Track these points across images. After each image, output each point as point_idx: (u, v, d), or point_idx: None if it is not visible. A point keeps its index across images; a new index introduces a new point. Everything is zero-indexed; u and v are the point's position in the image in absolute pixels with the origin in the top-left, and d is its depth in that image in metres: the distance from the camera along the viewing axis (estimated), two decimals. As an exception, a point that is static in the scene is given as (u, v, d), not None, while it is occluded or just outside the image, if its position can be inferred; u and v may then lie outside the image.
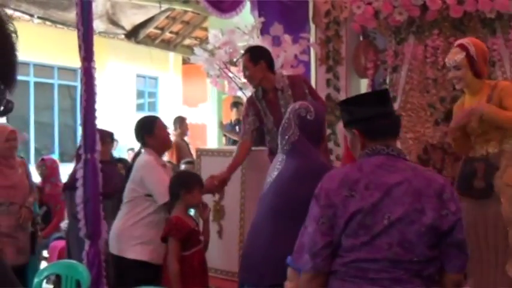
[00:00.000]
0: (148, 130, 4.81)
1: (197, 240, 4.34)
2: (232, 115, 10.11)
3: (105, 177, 4.76)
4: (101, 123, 4.72)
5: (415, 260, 2.49)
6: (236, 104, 9.97)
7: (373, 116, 2.70)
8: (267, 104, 5.11)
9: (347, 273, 2.53)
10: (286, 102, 4.92)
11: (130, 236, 4.60)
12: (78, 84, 15.31)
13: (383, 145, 2.67)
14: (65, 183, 5.33)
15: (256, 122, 5.14)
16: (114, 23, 14.50)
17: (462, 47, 4.54)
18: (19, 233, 5.27)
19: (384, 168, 2.61)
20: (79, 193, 4.44)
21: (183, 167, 8.36)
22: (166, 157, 11.04)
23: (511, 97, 4.43)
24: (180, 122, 10.67)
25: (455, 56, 4.53)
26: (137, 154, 5.00)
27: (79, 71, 4.65)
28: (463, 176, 4.59)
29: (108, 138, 5.33)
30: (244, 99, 6.48)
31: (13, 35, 1.37)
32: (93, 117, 4.46)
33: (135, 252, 4.57)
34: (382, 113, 2.71)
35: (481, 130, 4.44)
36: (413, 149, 6.12)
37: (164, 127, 4.96)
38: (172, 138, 11.35)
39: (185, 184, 4.39)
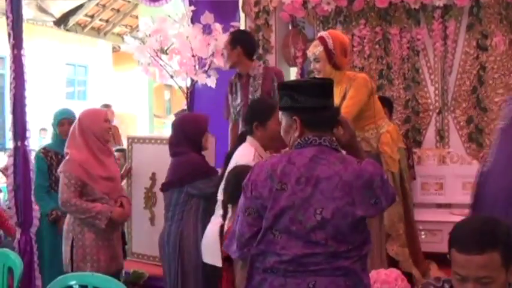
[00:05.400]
0: (261, 119, 3.97)
1: None
2: None
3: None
4: (30, 111, 4.60)
5: (351, 248, 2.51)
6: None
7: (317, 108, 2.65)
8: (240, 86, 5.35)
9: (287, 270, 2.51)
10: (254, 90, 5.22)
11: None
12: (5, 72, 15.03)
13: (317, 136, 2.63)
14: None
15: (233, 102, 5.43)
16: (42, 10, 14.28)
17: (321, 40, 4.61)
18: (113, 235, 4.53)
19: (314, 161, 2.56)
20: (9, 181, 4.42)
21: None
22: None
23: (355, 90, 4.56)
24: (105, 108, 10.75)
25: (315, 49, 4.63)
26: (240, 139, 4.15)
27: (6, 58, 4.60)
28: None
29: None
30: (176, 87, 6.53)
31: None
32: (23, 105, 4.44)
33: None
34: (325, 106, 2.67)
35: None
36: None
37: (280, 121, 4.10)
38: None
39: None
